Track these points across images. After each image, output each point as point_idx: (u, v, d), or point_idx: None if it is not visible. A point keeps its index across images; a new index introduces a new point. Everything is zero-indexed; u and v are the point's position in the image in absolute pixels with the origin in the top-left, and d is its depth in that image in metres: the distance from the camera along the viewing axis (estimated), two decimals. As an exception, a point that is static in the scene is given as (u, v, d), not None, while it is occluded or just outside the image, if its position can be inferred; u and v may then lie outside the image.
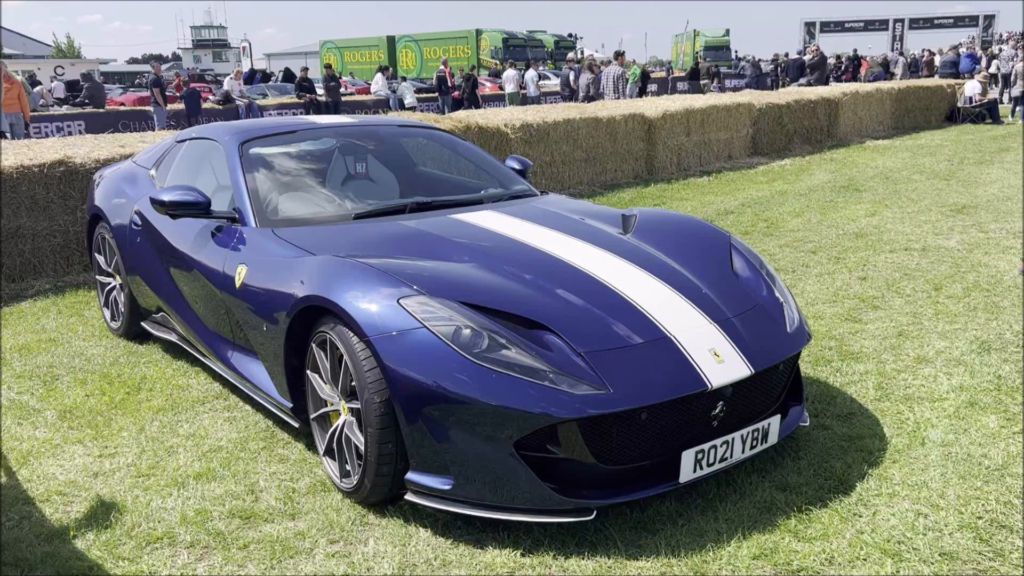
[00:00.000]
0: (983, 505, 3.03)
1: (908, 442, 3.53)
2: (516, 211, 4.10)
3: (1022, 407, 3.85)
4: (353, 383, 3.00)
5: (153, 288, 4.64)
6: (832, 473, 3.28)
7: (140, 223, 4.71)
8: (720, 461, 2.99)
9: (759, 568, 2.69)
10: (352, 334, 2.95)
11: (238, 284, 3.69)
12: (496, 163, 4.96)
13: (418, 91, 25.85)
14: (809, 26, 63.58)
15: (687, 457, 2.88)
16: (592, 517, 2.80)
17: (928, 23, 64.61)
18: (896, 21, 63.82)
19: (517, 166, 5.03)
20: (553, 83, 28.09)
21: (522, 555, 2.78)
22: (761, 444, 3.13)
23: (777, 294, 3.55)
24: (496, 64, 38.44)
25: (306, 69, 22.45)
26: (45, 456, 3.63)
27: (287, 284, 3.36)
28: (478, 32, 44.22)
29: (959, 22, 63.39)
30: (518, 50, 41.64)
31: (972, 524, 2.92)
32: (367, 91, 26.13)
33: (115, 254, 5.08)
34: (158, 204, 3.91)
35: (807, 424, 3.53)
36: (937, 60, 28.06)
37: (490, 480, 2.78)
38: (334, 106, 21.18)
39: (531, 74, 23.00)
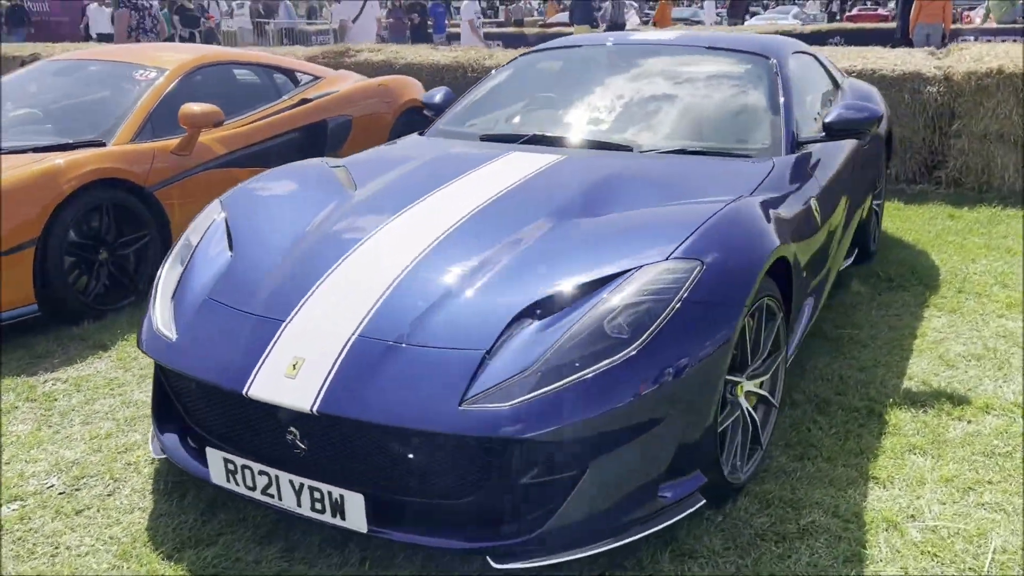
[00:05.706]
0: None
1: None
2: (573, 166, 3.20)
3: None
4: None
5: None
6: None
7: None
8: (264, 493, 2.34)
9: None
10: None
11: None
12: (779, 108, 3.48)
13: None
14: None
15: (214, 457, 2.42)
16: (156, 458, 2.77)
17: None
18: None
19: (838, 116, 3.34)
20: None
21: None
22: (333, 516, 2.24)
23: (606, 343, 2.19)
24: None
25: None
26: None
27: None
28: None
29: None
30: None
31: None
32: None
33: None
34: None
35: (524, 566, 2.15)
36: None
37: None
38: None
39: None
